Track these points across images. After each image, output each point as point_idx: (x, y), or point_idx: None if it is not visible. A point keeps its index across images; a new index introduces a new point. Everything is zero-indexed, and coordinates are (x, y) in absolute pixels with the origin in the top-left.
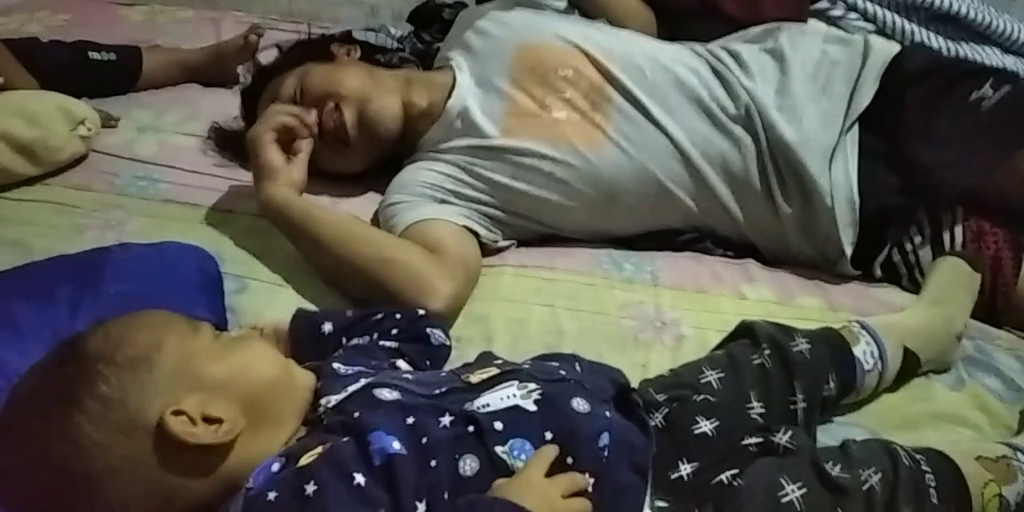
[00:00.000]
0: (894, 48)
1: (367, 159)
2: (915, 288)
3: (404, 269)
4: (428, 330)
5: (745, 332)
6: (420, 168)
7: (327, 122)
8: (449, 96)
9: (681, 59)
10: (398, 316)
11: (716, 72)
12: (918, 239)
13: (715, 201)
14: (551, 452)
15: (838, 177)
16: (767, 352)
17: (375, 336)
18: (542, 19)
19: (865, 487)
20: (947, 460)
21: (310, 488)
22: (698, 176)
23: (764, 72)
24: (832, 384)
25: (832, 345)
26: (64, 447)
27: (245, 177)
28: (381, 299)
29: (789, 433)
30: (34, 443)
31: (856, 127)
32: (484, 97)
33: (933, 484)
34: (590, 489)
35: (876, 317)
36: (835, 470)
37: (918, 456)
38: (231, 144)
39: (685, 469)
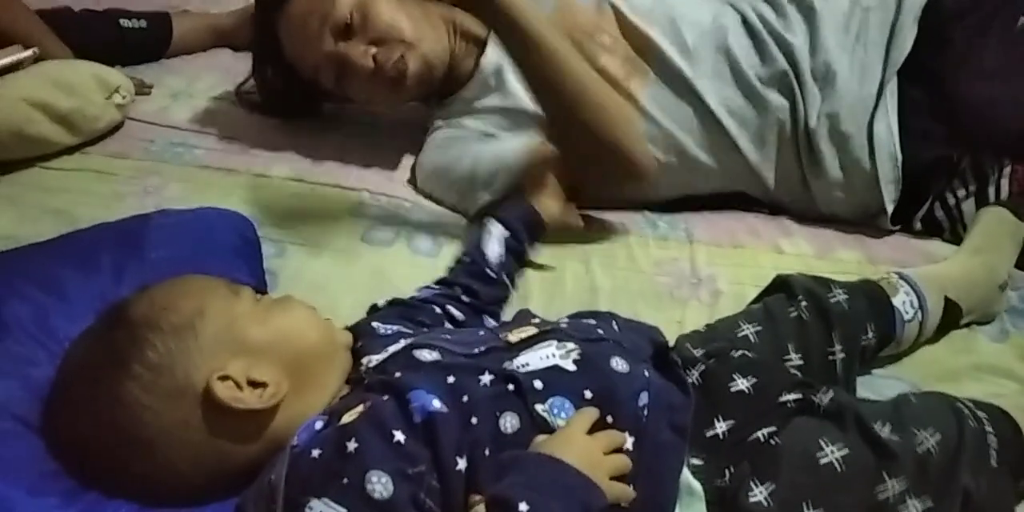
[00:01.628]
0: None
1: (405, 101)
2: (958, 241)
3: (630, 118)
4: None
5: (781, 286)
6: (459, 129)
7: (386, 65)
8: (483, 50)
9: (722, 19)
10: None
11: (753, 33)
12: (962, 192)
13: (745, 166)
14: (593, 412)
15: (880, 133)
16: (804, 304)
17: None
18: None
19: (920, 450)
20: (1008, 419)
21: (351, 445)
22: (728, 141)
23: (794, 27)
24: (871, 334)
25: (870, 296)
26: (116, 411)
27: (279, 142)
28: (596, 141)
29: (830, 393)
30: (88, 408)
31: (895, 77)
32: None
33: (995, 446)
34: (630, 447)
35: (916, 268)
36: (884, 431)
37: (981, 414)
38: (259, 106)
39: (721, 427)
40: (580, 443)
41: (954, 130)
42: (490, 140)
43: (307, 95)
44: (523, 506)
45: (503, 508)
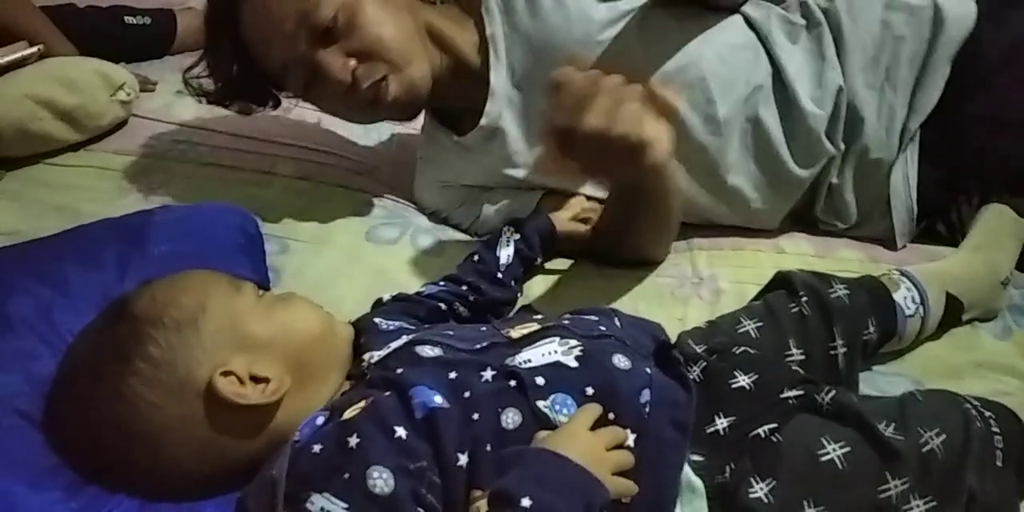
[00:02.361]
0: (969, 15)
1: (375, 121)
2: (957, 245)
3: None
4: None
5: (782, 282)
6: (449, 171)
7: (364, 84)
8: (475, 76)
9: (755, 76)
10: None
11: (786, 94)
12: (965, 208)
13: (755, 216)
14: (595, 408)
15: (896, 185)
16: (805, 300)
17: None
18: (593, 14)
19: (924, 450)
20: (1014, 418)
21: (353, 440)
22: (743, 203)
23: (828, 65)
24: (872, 329)
25: (871, 291)
26: (118, 407)
27: (285, 139)
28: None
29: (833, 393)
30: (90, 402)
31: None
32: (523, 113)
33: (1001, 447)
34: (631, 444)
35: (917, 265)
36: (888, 430)
37: (987, 414)
38: (209, 93)
39: (721, 423)
40: (583, 439)
41: (974, 180)
42: (487, 196)
43: (265, 88)
44: (526, 501)
45: (506, 503)
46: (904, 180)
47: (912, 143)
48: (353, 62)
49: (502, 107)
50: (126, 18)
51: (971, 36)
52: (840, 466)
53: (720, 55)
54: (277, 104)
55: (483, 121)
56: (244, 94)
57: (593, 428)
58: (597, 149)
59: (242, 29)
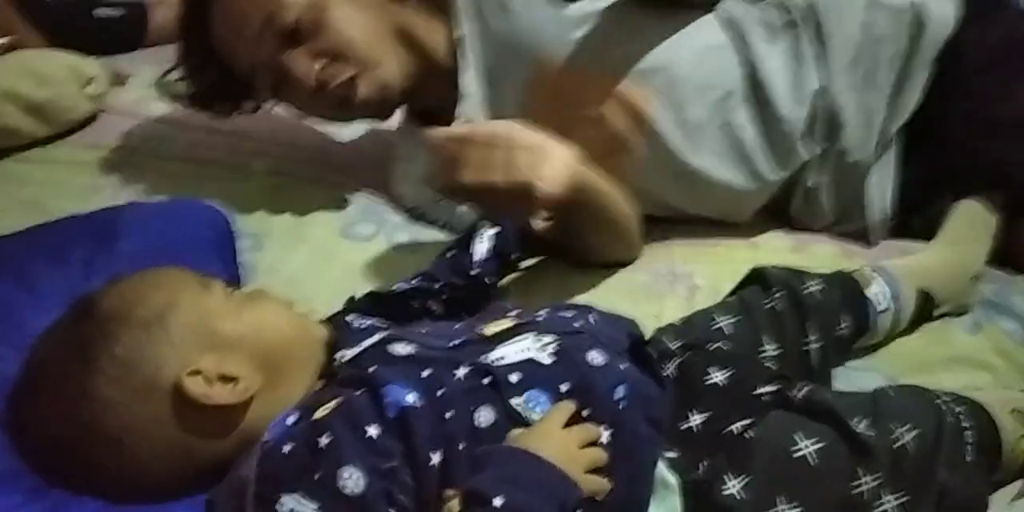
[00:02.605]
0: (951, 17)
1: (347, 121)
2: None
3: (640, 230)
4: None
5: (756, 278)
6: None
7: (331, 85)
8: (445, 76)
9: (729, 81)
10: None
11: (760, 97)
12: (941, 204)
13: (719, 211)
14: (569, 406)
15: (873, 189)
16: (778, 296)
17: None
18: (564, 13)
19: (896, 445)
20: (984, 413)
21: (324, 440)
22: (717, 207)
23: (807, 67)
24: (845, 325)
25: (844, 287)
26: (83, 407)
27: (259, 135)
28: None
29: (806, 389)
30: (55, 403)
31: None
32: (493, 116)
33: (971, 441)
34: (606, 440)
35: (890, 260)
36: (860, 426)
37: (958, 409)
38: (185, 97)
39: (695, 419)
40: (556, 437)
41: (953, 181)
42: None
43: (240, 93)
44: (498, 500)
45: (478, 502)
46: (881, 184)
47: (891, 145)
48: (319, 63)
49: (474, 110)
50: (97, 10)
51: (953, 38)
52: (813, 462)
53: (694, 56)
54: (257, 107)
55: (456, 124)
56: (219, 98)
57: (568, 425)
58: (487, 196)
59: (211, 32)
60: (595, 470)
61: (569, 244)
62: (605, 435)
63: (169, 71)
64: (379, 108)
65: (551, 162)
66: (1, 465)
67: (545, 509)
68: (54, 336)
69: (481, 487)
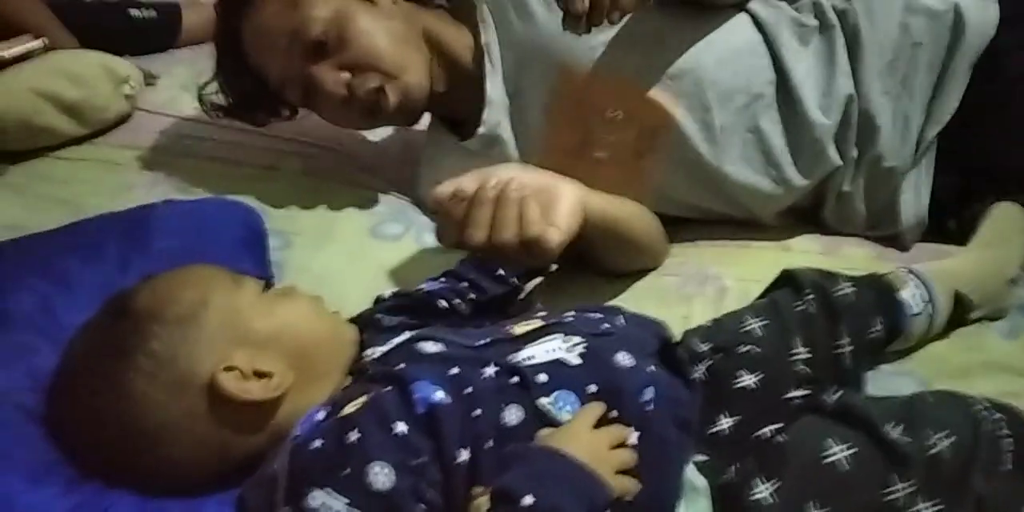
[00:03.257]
0: (991, 21)
1: (377, 127)
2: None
3: (664, 238)
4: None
5: (788, 280)
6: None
7: (359, 95)
8: (471, 80)
9: (759, 84)
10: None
11: (791, 102)
12: (977, 207)
13: (745, 212)
14: (599, 407)
15: (908, 196)
16: (810, 297)
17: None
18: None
19: (932, 452)
20: (1022, 421)
21: (353, 436)
22: (744, 212)
23: (839, 73)
24: (879, 328)
25: (878, 289)
26: (119, 403)
27: (290, 135)
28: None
29: (839, 393)
30: (91, 399)
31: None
32: (518, 121)
33: (1010, 449)
34: (634, 442)
35: (925, 263)
36: (895, 432)
37: (996, 416)
38: (224, 108)
39: (725, 423)
40: (586, 438)
41: (990, 190)
42: None
43: (275, 103)
44: (528, 499)
45: (507, 500)
46: (916, 189)
47: (928, 152)
48: (346, 75)
49: (500, 115)
50: (131, 11)
51: (992, 43)
52: (846, 468)
53: (721, 60)
54: (292, 116)
55: (481, 130)
56: (254, 108)
57: (597, 426)
58: (502, 252)
59: (243, 46)
60: (625, 472)
61: (592, 264)
62: (633, 437)
63: (207, 83)
64: (407, 115)
65: (561, 205)
66: (39, 456)
67: (575, 509)
68: (90, 333)
69: (510, 485)
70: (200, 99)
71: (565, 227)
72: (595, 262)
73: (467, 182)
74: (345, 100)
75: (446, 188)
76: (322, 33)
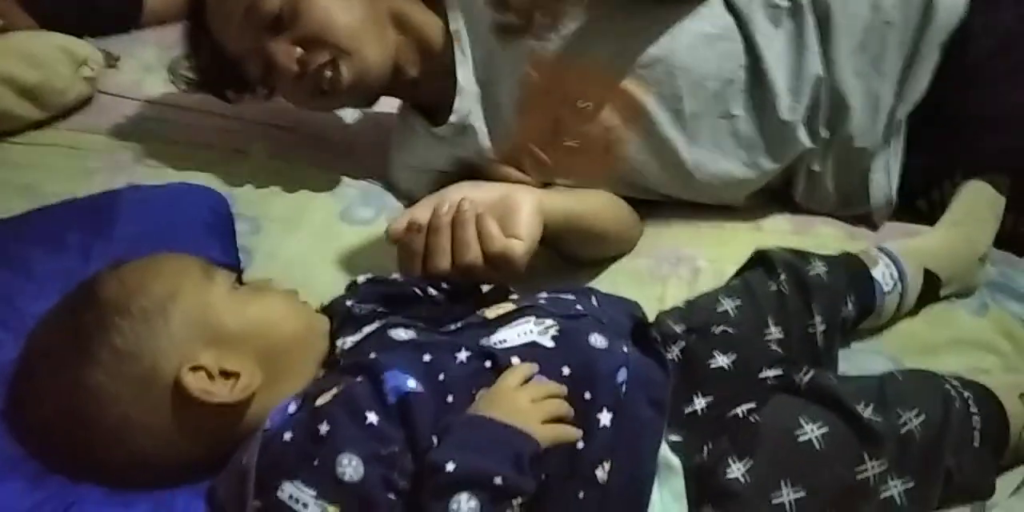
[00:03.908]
0: (959, 2)
1: (335, 108)
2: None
3: (635, 223)
4: None
5: (760, 260)
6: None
7: (315, 71)
8: (440, 64)
9: (729, 70)
10: None
11: (761, 86)
12: (947, 186)
13: (714, 196)
14: (524, 368)
15: (879, 176)
16: (783, 277)
17: None
18: None
19: (903, 431)
20: (992, 398)
21: (323, 428)
22: (714, 196)
23: (809, 51)
24: (850, 306)
25: (849, 268)
26: (80, 398)
27: (257, 118)
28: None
29: (811, 373)
30: (52, 392)
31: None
32: (489, 109)
33: (978, 427)
34: (607, 424)
35: (895, 241)
36: (867, 411)
37: (966, 394)
38: (194, 83)
39: (700, 403)
40: (508, 397)
41: (960, 170)
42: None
43: (242, 79)
44: (449, 466)
45: (433, 472)
46: (886, 169)
47: (898, 132)
48: (299, 50)
49: (471, 104)
50: None
51: (962, 24)
52: (818, 447)
53: (693, 47)
54: (270, 94)
55: (452, 118)
56: (222, 84)
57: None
58: (469, 273)
59: (207, 21)
60: (560, 421)
61: (563, 256)
62: (607, 418)
63: (179, 57)
64: (361, 95)
65: (519, 214)
66: (2, 451)
67: (496, 464)
68: (53, 323)
69: (434, 457)
70: (171, 73)
71: (527, 236)
72: (565, 255)
73: (419, 212)
74: (298, 76)
75: (400, 222)
76: (278, 7)
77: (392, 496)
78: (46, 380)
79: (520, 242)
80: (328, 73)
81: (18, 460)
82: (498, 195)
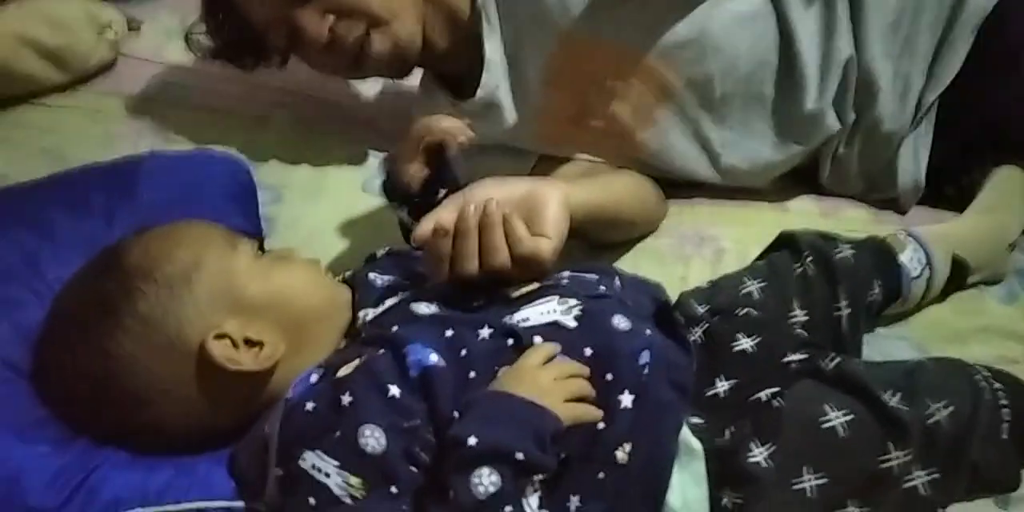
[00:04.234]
0: None
1: (363, 78)
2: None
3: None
4: None
5: (786, 242)
6: None
7: (345, 42)
8: (470, 35)
9: (762, 51)
10: None
11: (793, 68)
12: (976, 172)
13: (739, 180)
14: (547, 347)
15: (906, 160)
16: (809, 260)
17: None
18: None
19: (930, 422)
20: (1022, 389)
21: (346, 399)
22: (730, 170)
23: (840, 35)
24: (877, 290)
25: (877, 251)
26: (104, 363)
27: (280, 84)
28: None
29: (837, 360)
30: (76, 356)
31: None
32: (516, 86)
33: (1008, 419)
34: (629, 405)
35: (924, 226)
36: (893, 400)
37: (997, 385)
38: (211, 50)
39: (722, 386)
40: (529, 374)
41: (989, 152)
42: (481, 156)
43: (262, 47)
44: (472, 440)
45: (456, 446)
46: (914, 154)
47: (927, 116)
48: (331, 19)
49: (499, 79)
50: None
51: (997, 6)
52: (842, 434)
53: (727, 26)
54: (284, 62)
55: (480, 93)
56: (242, 52)
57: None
58: (499, 275)
59: None
60: (581, 400)
61: (585, 240)
62: (628, 399)
63: (195, 24)
64: (393, 66)
65: (547, 211)
66: (28, 414)
67: (518, 440)
68: (78, 289)
69: (456, 431)
70: (187, 40)
71: (555, 234)
72: (588, 239)
73: (445, 215)
74: (328, 46)
75: (426, 226)
76: None
77: (414, 469)
78: (71, 345)
79: (548, 241)
80: (361, 43)
81: (43, 423)
82: (523, 192)
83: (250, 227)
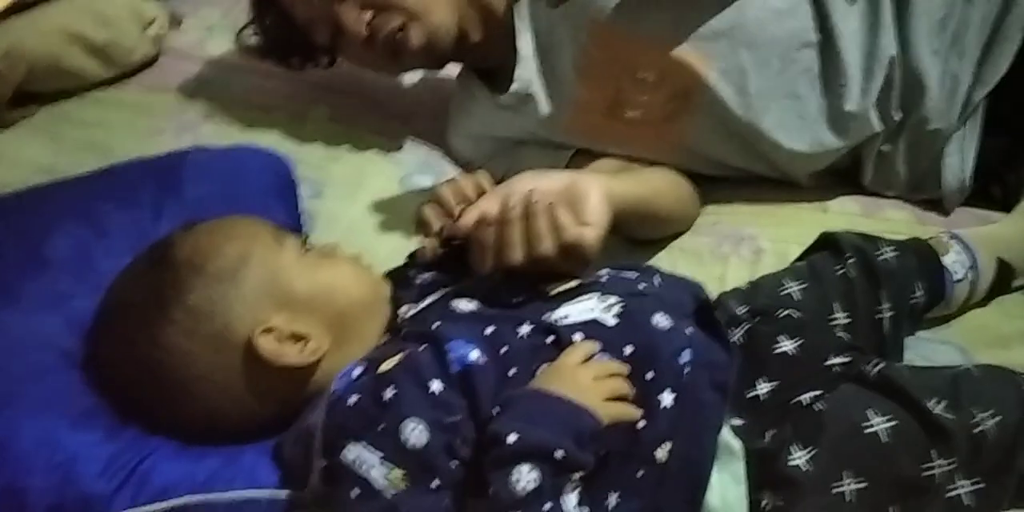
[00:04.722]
0: None
1: (403, 72)
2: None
3: (695, 202)
4: None
5: (827, 243)
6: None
7: (381, 35)
8: (505, 28)
9: (799, 47)
10: None
11: (832, 63)
12: (1022, 171)
13: (779, 172)
14: (587, 345)
15: (952, 160)
16: (851, 262)
17: None
18: None
19: (976, 431)
20: None
21: (388, 393)
22: (773, 167)
23: (885, 31)
24: (920, 293)
25: (920, 254)
26: (155, 354)
27: (320, 80)
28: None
29: (881, 364)
30: (127, 349)
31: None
32: (550, 78)
33: None
34: (670, 404)
35: (968, 228)
36: (938, 408)
37: None
38: (261, 51)
39: (763, 388)
40: (569, 373)
41: None
42: (518, 150)
43: (309, 47)
44: (511, 437)
45: (495, 443)
46: (960, 153)
47: (974, 115)
48: (369, 14)
49: (532, 72)
50: None
51: None
52: (884, 439)
53: (763, 20)
54: (332, 62)
55: (514, 86)
56: (289, 51)
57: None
58: (541, 265)
59: None
60: (621, 399)
61: (621, 235)
62: (669, 398)
63: (246, 25)
64: (431, 58)
65: (589, 200)
66: (80, 402)
67: (558, 438)
68: (129, 282)
69: (496, 428)
70: (237, 41)
71: (598, 223)
72: (624, 235)
73: (488, 205)
74: (367, 40)
75: (469, 216)
76: None
77: (455, 463)
78: (122, 336)
79: (592, 229)
80: (399, 37)
81: (96, 411)
82: (564, 184)
83: (292, 222)
